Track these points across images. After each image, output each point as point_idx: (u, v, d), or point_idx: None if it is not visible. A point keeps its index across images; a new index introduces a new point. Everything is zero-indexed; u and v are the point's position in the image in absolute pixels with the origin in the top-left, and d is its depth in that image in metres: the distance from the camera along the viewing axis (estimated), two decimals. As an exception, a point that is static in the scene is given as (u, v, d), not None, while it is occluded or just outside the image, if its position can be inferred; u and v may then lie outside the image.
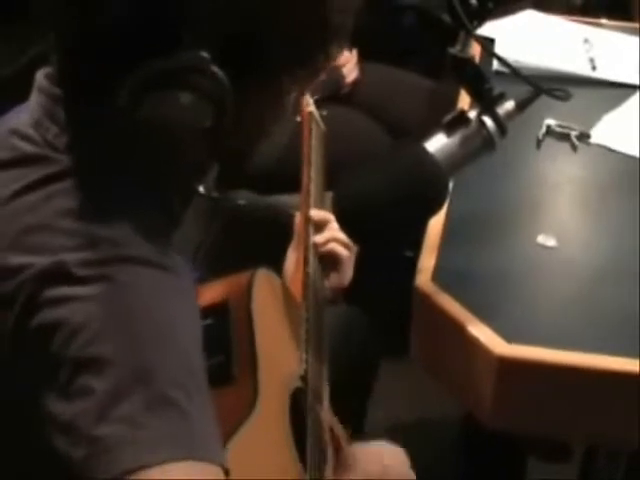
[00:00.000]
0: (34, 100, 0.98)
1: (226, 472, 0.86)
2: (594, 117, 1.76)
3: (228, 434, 1.10)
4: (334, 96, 2.28)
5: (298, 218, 1.53)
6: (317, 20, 0.93)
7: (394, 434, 1.99)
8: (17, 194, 0.92)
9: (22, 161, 0.94)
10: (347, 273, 1.51)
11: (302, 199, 1.52)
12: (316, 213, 1.48)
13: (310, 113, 1.59)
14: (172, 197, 0.99)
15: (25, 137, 0.95)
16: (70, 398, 0.83)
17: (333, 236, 1.46)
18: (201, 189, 2.16)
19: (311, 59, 0.96)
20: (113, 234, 0.89)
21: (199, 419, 0.85)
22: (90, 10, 0.89)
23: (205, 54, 0.88)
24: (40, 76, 0.98)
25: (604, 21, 2.18)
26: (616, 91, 1.87)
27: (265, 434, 1.21)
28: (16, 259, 0.88)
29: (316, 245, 1.45)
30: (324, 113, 1.66)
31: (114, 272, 0.86)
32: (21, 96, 1.03)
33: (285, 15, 0.91)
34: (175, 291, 0.90)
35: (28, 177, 0.92)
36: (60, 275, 0.86)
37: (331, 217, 1.49)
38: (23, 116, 0.98)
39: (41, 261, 0.87)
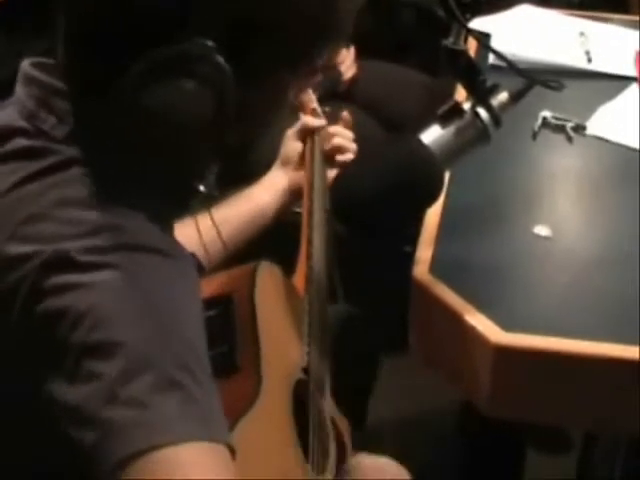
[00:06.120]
0: (23, 92, 0.97)
1: (232, 452, 0.87)
2: (589, 109, 1.77)
3: (232, 423, 1.11)
4: (332, 93, 2.29)
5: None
6: (319, 15, 0.95)
7: (393, 427, 2.00)
8: (16, 186, 0.92)
9: (18, 154, 0.94)
10: None
11: (305, 192, 1.54)
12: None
13: (313, 109, 1.61)
14: (173, 190, 0.99)
15: (18, 130, 0.95)
16: (78, 383, 0.84)
17: (339, 130, 1.55)
18: (202, 188, 2.17)
19: (312, 54, 0.98)
20: (114, 222, 0.90)
21: (206, 401, 0.86)
22: None
23: (210, 43, 0.89)
24: (26, 66, 0.98)
25: (600, 14, 2.19)
26: (611, 83, 1.89)
27: (267, 424, 1.23)
28: (17, 248, 0.89)
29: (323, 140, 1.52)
30: (327, 109, 1.68)
31: (116, 259, 0.87)
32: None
33: (288, 9, 0.92)
34: (177, 276, 0.91)
35: (26, 169, 0.93)
36: (63, 263, 0.87)
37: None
38: (8, 111, 0.97)
39: (43, 249, 0.87)
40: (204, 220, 1.32)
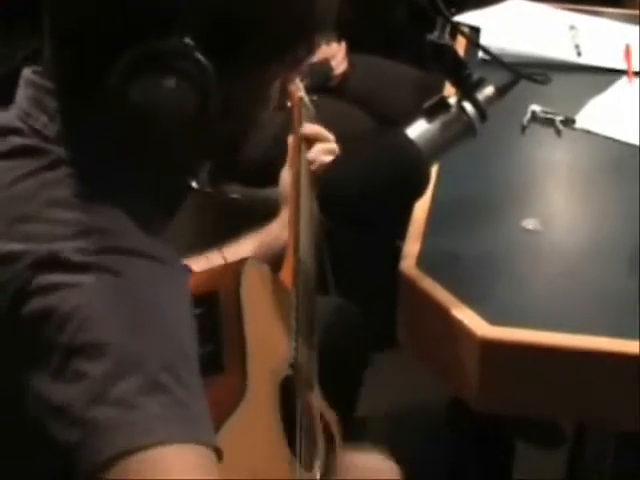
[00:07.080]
0: (21, 94, 0.99)
1: (219, 454, 0.87)
2: (579, 103, 1.77)
3: (218, 423, 1.11)
4: (324, 88, 2.29)
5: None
6: (301, 8, 0.96)
7: (382, 422, 2.00)
8: (10, 184, 0.93)
9: (11, 154, 0.95)
10: None
11: (293, 183, 1.53)
12: (309, 128, 1.51)
13: (300, 98, 1.61)
14: (164, 189, 1.00)
15: (12, 130, 0.96)
16: (63, 382, 0.84)
17: (322, 149, 1.50)
18: (194, 184, 2.17)
19: (295, 47, 0.98)
20: (103, 224, 0.90)
21: (192, 402, 0.86)
22: None
23: (189, 41, 0.89)
24: (27, 72, 0.99)
25: (591, 7, 2.19)
26: (600, 77, 1.89)
27: (254, 422, 1.22)
28: (8, 246, 0.89)
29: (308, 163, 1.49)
30: (314, 98, 1.68)
31: (105, 261, 0.88)
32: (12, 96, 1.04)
33: (269, 3, 0.93)
34: (166, 280, 0.91)
35: (20, 169, 0.93)
36: (53, 263, 0.87)
37: (323, 131, 1.53)
38: (9, 113, 0.98)
39: (35, 249, 0.88)
40: (216, 257, 1.34)
